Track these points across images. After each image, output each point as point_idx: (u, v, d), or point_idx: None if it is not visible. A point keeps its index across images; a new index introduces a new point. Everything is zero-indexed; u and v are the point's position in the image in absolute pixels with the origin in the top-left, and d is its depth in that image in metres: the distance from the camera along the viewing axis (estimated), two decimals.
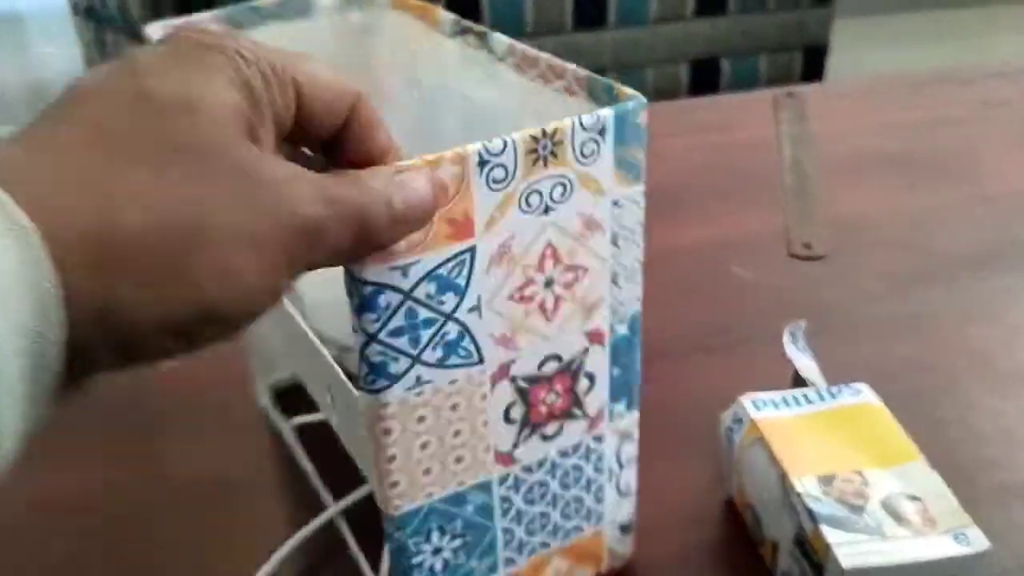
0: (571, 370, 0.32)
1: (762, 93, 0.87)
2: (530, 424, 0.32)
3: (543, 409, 0.32)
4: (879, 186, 0.70)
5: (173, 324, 0.19)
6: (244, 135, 0.21)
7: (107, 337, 0.19)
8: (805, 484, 0.35)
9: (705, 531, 0.41)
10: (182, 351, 0.21)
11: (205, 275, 0.20)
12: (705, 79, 2.16)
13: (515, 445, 0.32)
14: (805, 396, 0.39)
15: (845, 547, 0.32)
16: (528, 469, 0.33)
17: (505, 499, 0.33)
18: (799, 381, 0.42)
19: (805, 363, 0.43)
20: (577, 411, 0.33)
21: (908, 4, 2.78)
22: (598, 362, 0.33)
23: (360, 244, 0.24)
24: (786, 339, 0.44)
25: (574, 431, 0.33)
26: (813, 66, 2.12)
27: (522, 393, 0.31)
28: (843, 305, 0.55)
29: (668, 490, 0.42)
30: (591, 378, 0.33)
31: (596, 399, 0.33)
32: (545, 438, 0.33)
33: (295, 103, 0.23)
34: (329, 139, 0.25)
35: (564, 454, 0.33)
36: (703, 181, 0.72)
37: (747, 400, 0.39)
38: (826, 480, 0.35)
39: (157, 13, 2.42)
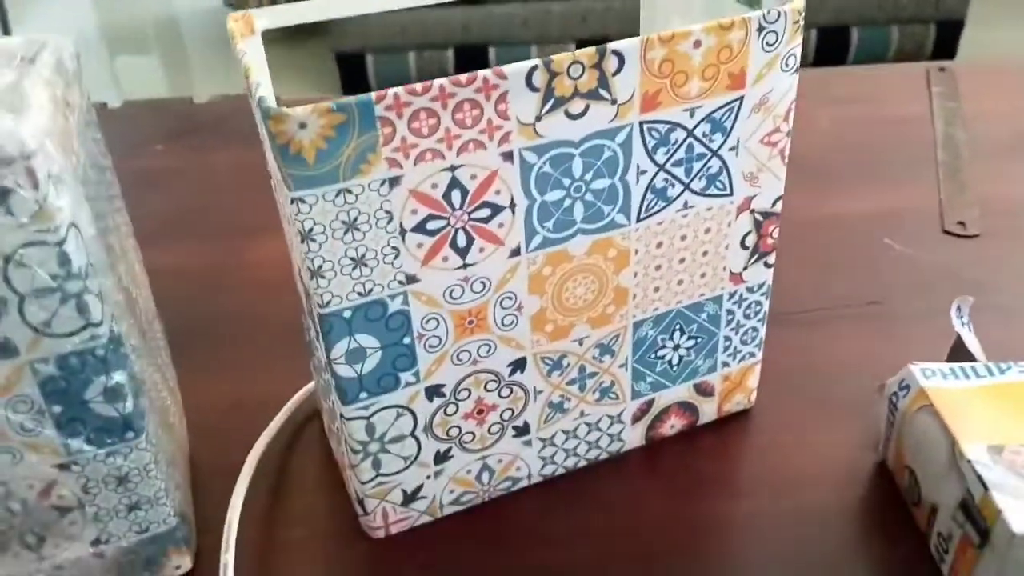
0: None
1: (911, 66, 0.86)
2: (759, 251, 0.43)
3: (769, 241, 0.43)
4: None
5: None
6: None
7: None
8: (975, 451, 0.36)
9: (856, 489, 0.44)
10: None
11: None
12: (834, 47, 2.10)
13: (744, 267, 0.43)
14: (973, 369, 0.41)
15: (1016, 512, 0.33)
16: (751, 289, 0.44)
17: (730, 312, 0.44)
18: (956, 355, 0.43)
19: (971, 338, 0.43)
20: None
21: None
22: None
23: None
24: (953, 313, 0.45)
25: None
26: (946, 40, 2.03)
27: (757, 225, 0.42)
28: (999, 285, 0.56)
29: (818, 447, 0.47)
30: None
31: None
32: (767, 265, 0.44)
33: None
34: None
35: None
36: (852, 153, 0.72)
37: (916, 367, 0.40)
38: (995, 449, 0.36)
39: None
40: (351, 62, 2.31)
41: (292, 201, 0.32)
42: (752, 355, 0.47)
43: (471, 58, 2.24)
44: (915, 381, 0.42)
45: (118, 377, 0.35)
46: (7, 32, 2.37)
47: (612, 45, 0.34)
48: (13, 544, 0.36)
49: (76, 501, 0.36)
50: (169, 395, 0.44)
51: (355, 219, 0.33)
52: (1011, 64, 0.90)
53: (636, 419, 0.46)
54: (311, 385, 0.50)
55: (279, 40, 2.79)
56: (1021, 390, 0.41)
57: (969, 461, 0.37)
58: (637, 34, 0.44)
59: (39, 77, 0.34)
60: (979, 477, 0.37)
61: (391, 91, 0.32)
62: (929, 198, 0.68)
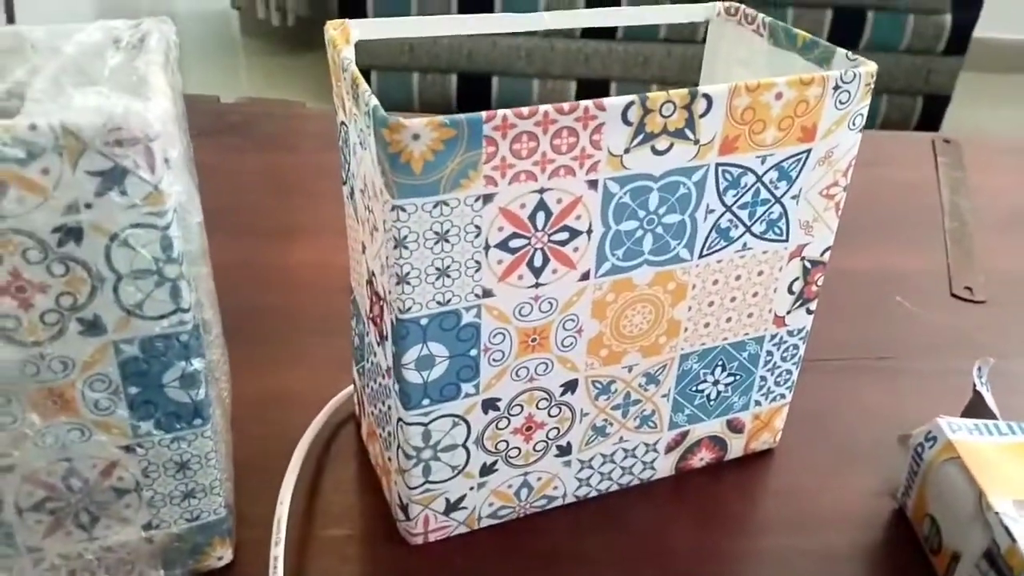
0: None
1: (917, 135, 0.89)
2: (803, 297, 0.44)
3: (814, 288, 0.44)
4: None
5: None
6: None
7: None
8: (1002, 504, 0.38)
9: (875, 533, 0.45)
10: None
11: None
12: (849, 29, 2.14)
13: (788, 311, 0.45)
14: (996, 427, 0.43)
15: None
16: (791, 333, 0.46)
17: (769, 353, 0.46)
18: (970, 412, 0.46)
19: (989, 398, 0.46)
20: None
21: None
22: None
23: None
24: (975, 372, 0.47)
25: None
26: (931, 114, 2.10)
27: (805, 271, 0.44)
28: (1006, 350, 0.58)
29: (839, 490, 0.49)
30: None
31: None
32: (809, 312, 0.45)
33: None
34: None
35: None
36: (863, 213, 0.75)
37: (943, 421, 0.42)
38: (1020, 504, 0.38)
39: None
40: None
41: (392, 208, 0.33)
42: (783, 396, 0.49)
43: (473, 85, 2.27)
44: (942, 433, 0.44)
45: (196, 364, 0.35)
46: (11, 21, 2.35)
47: (703, 89, 0.36)
48: (68, 522, 0.36)
49: (135, 484, 0.37)
50: (227, 387, 0.45)
51: (447, 231, 0.35)
52: (1012, 142, 0.94)
53: (670, 449, 0.47)
54: (349, 389, 0.50)
55: (285, 44, 2.80)
56: None
57: (996, 513, 0.39)
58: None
59: (155, 62, 0.35)
60: (1006, 528, 0.39)
61: (500, 112, 0.33)
62: (937, 262, 0.71)
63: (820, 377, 0.56)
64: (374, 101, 0.33)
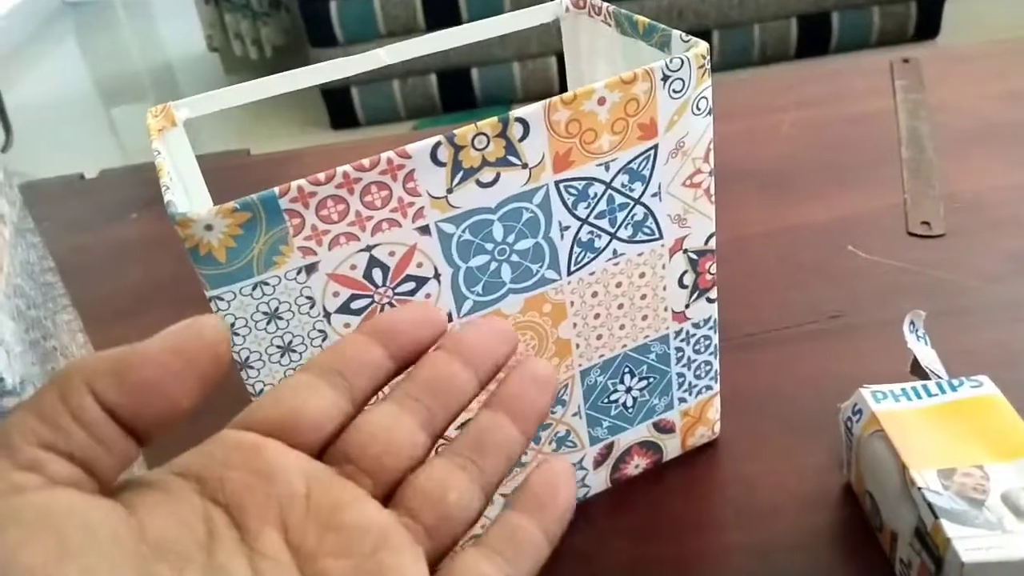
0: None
1: (875, 58, 0.85)
2: (698, 288, 0.43)
3: (708, 277, 0.43)
4: (1002, 160, 0.68)
5: None
6: None
7: None
8: (925, 477, 0.36)
9: (823, 514, 0.43)
10: None
11: None
12: (815, 36, 2.10)
13: (686, 305, 0.43)
14: (925, 388, 0.40)
15: (965, 541, 0.33)
16: (696, 325, 0.44)
17: (679, 349, 0.44)
18: (918, 369, 0.43)
19: (925, 353, 0.43)
20: None
21: None
22: None
23: None
24: (906, 328, 0.44)
25: None
26: (929, 18, 2.01)
27: (692, 263, 0.42)
28: (964, 288, 0.56)
29: (786, 473, 0.45)
30: None
31: None
32: (710, 300, 0.43)
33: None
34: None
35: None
36: (815, 157, 0.72)
37: (867, 391, 0.40)
38: (946, 474, 0.36)
39: None
40: (337, 96, 2.33)
41: (211, 299, 0.33)
42: (709, 388, 0.47)
43: (454, 81, 2.25)
44: (867, 405, 0.42)
45: None
46: None
47: (515, 113, 0.34)
48: None
49: None
50: None
51: (276, 309, 0.34)
52: (974, 50, 0.89)
53: (598, 463, 0.46)
54: None
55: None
56: (972, 407, 0.41)
57: (920, 488, 0.37)
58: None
59: None
60: (929, 505, 0.36)
61: (294, 184, 0.32)
62: (894, 199, 0.67)
63: (762, 353, 0.54)
64: (169, 196, 0.32)
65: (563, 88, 2.42)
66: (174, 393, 0.21)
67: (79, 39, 3.77)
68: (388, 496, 0.25)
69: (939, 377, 0.43)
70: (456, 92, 2.36)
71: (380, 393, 0.27)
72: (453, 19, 2.25)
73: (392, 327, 0.27)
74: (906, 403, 0.41)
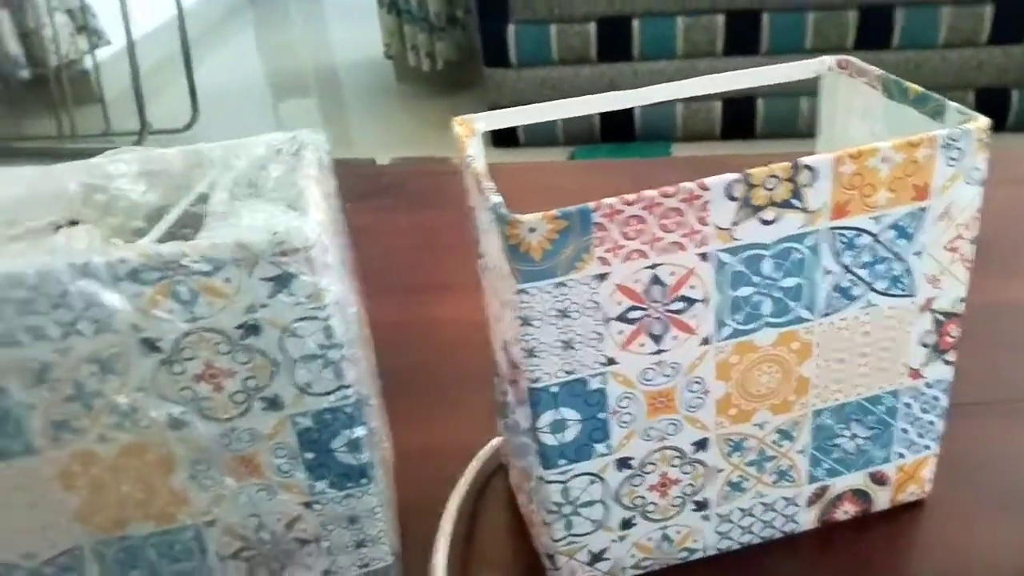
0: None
1: None
2: (938, 349, 0.45)
3: (949, 339, 0.45)
4: None
5: None
6: None
7: None
8: None
9: None
10: None
11: None
12: (993, 108, 2.05)
13: (924, 364, 0.45)
14: None
15: None
16: (929, 385, 0.46)
17: (908, 405, 0.46)
18: None
19: None
20: None
21: None
22: None
23: None
24: None
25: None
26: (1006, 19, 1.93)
27: (937, 324, 0.44)
28: None
29: (995, 546, 0.48)
30: None
31: None
32: (947, 363, 0.46)
33: None
34: None
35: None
36: (1016, 237, 0.72)
37: None
38: None
39: (452, 7, 2.67)
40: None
41: (517, 292, 0.39)
42: (928, 447, 0.49)
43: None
44: None
45: (359, 431, 0.42)
46: (190, 70, 2.65)
47: (805, 160, 0.39)
48: (260, 569, 0.44)
49: (314, 535, 0.44)
50: (389, 445, 0.52)
51: (567, 308, 0.40)
52: None
53: (811, 502, 0.49)
54: (497, 440, 0.56)
55: (436, 87, 2.97)
56: None
57: None
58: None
59: (310, 174, 0.43)
60: None
61: (606, 201, 0.38)
62: None
63: (978, 422, 0.56)
64: (495, 199, 0.38)
65: (725, 131, 2.44)
66: None
67: (257, 32, 4.08)
68: None
69: None
70: (617, 122, 2.41)
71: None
72: (625, 52, 2.32)
73: None
74: None
